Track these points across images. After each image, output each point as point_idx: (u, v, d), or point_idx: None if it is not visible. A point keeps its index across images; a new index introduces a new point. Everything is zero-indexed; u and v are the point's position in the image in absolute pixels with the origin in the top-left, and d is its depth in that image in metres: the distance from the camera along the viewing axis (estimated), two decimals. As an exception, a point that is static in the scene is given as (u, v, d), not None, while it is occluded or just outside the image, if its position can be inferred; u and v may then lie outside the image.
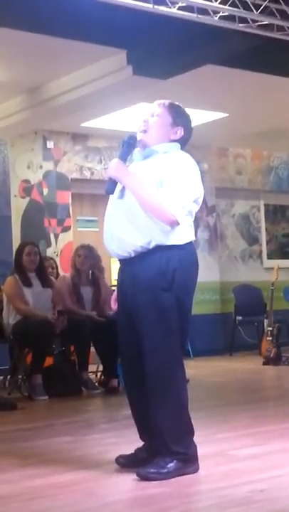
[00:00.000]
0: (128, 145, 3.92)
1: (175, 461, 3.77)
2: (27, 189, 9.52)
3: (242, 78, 7.55)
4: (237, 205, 11.55)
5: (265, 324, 9.41)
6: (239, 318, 10.55)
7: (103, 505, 3.42)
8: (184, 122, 3.96)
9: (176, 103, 4.00)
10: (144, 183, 3.77)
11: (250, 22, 5.76)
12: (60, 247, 9.62)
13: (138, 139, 3.93)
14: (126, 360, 4.06)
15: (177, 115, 3.95)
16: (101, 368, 7.56)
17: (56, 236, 9.63)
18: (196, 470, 3.83)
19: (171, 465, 3.76)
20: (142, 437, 4.03)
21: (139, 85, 7.20)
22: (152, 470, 3.75)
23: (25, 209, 9.50)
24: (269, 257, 11.85)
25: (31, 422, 5.86)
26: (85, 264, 7.63)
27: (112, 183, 3.85)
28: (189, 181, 3.79)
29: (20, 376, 7.26)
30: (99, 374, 7.64)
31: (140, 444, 4.04)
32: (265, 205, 11.96)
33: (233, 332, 10.54)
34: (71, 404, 6.65)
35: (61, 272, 8.65)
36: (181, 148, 3.96)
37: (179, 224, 3.74)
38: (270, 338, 9.20)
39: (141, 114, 4.04)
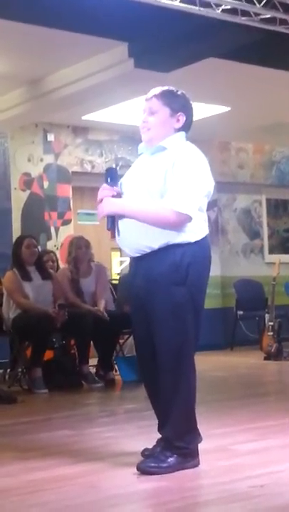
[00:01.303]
0: (112, 178, 3.94)
1: (175, 455, 3.77)
2: (27, 182, 9.50)
3: (244, 72, 7.52)
4: (239, 200, 11.53)
5: (266, 319, 9.40)
6: (240, 312, 10.54)
7: (103, 499, 3.41)
8: (181, 106, 3.90)
9: (167, 88, 3.92)
10: (138, 205, 3.75)
11: (253, 15, 5.73)
12: (60, 240, 9.61)
13: (143, 138, 3.92)
14: (142, 354, 4.02)
15: (173, 102, 3.88)
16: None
17: (57, 229, 9.62)
18: (196, 465, 3.82)
19: (171, 459, 3.76)
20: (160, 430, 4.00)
21: (140, 78, 7.17)
22: (152, 464, 3.75)
23: (25, 202, 9.48)
24: (270, 251, 11.84)
25: (31, 415, 5.85)
26: (87, 256, 7.62)
27: (111, 220, 3.87)
28: (199, 176, 3.74)
29: (20, 369, 7.25)
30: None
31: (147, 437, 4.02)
32: (266, 199, 11.95)
33: (234, 327, 10.54)
34: (71, 398, 6.65)
35: (61, 265, 8.63)
36: (187, 132, 3.90)
37: (191, 219, 3.69)
38: (271, 333, 9.19)
39: (139, 111, 3.98)
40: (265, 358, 9.11)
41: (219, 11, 5.64)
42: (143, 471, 3.72)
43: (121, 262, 10.36)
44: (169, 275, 3.71)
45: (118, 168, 4.11)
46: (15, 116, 8.55)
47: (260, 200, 11.86)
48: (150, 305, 3.79)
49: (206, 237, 3.84)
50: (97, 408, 6.33)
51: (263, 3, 5.62)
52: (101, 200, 3.87)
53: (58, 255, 9.17)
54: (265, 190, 11.91)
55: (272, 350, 9.09)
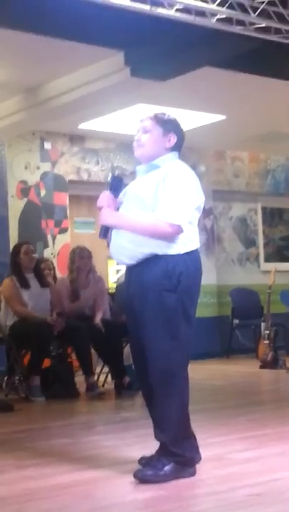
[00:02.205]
0: (115, 187, 4.09)
1: (172, 463, 3.78)
2: (24, 190, 9.50)
3: (240, 80, 7.54)
4: (234, 208, 11.55)
5: (262, 327, 9.40)
6: (236, 321, 10.54)
7: (100, 508, 3.41)
8: (173, 128, 4.09)
9: (161, 112, 4.14)
10: (133, 217, 3.91)
11: (248, 24, 5.75)
12: (57, 248, 9.61)
13: (135, 154, 4.11)
14: (137, 361, 4.09)
15: (165, 123, 4.08)
16: (99, 369, 7.54)
17: (53, 237, 9.62)
18: (193, 474, 3.83)
19: (167, 467, 3.77)
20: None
21: (136, 87, 7.19)
22: (150, 472, 3.77)
23: (22, 210, 9.48)
24: (266, 260, 11.85)
25: (28, 423, 5.85)
26: (87, 267, 7.64)
27: (104, 229, 4.03)
28: (188, 189, 3.89)
29: (17, 377, 7.24)
30: (103, 376, 7.61)
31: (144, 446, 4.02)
32: (262, 208, 11.97)
33: (230, 335, 10.53)
34: (68, 406, 6.64)
35: (58, 273, 8.64)
36: (179, 153, 4.09)
37: (182, 231, 3.82)
38: (267, 342, 9.19)
39: (136, 120, 4.13)
40: (261, 367, 9.10)
41: (214, 21, 5.65)
42: (140, 479, 3.74)
43: (117, 271, 10.36)
44: (161, 282, 3.80)
45: (117, 175, 4.20)
46: (12, 124, 8.55)
47: (255, 209, 11.88)
48: (141, 311, 3.86)
49: (197, 250, 3.95)
50: (94, 417, 6.32)
51: (257, 12, 5.63)
52: (99, 208, 4.04)
53: (55, 263, 9.18)
54: (260, 199, 11.93)
55: (268, 358, 9.09)
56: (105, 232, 4.01)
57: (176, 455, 3.81)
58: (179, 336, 3.83)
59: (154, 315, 3.81)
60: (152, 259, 3.84)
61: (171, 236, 3.82)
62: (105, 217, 4.00)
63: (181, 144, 4.11)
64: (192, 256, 3.90)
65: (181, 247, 3.86)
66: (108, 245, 4.06)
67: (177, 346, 3.83)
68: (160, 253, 3.83)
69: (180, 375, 3.87)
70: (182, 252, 3.85)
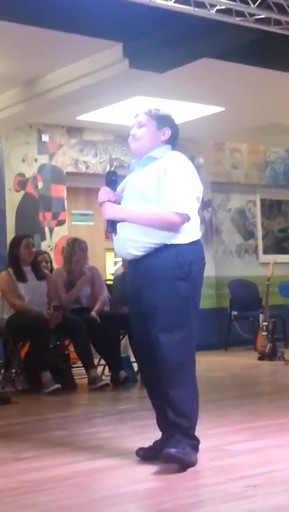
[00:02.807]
0: (112, 182, 4.10)
1: (189, 446, 3.83)
2: (22, 183, 9.49)
3: (239, 72, 7.52)
4: (233, 200, 11.54)
5: (260, 319, 9.41)
6: (234, 313, 10.54)
7: (97, 500, 3.41)
8: (167, 122, 4.14)
9: (154, 108, 4.17)
10: (138, 209, 3.93)
11: (247, 16, 5.73)
12: (54, 240, 9.60)
13: (131, 148, 4.17)
14: (143, 353, 4.11)
15: (160, 117, 4.13)
16: (96, 362, 7.53)
17: (51, 230, 9.61)
18: (196, 461, 3.88)
19: (188, 448, 3.83)
20: (160, 426, 4.07)
21: (135, 78, 7.17)
22: (175, 449, 3.79)
23: (19, 202, 9.46)
24: (265, 252, 11.85)
25: (25, 416, 5.85)
26: (85, 260, 7.63)
27: (111, 223, 4.01)
28: (190, 179, 3.94)
29: (14, 370, 7.24)
30: (100, 368, 7.60)
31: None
32: (261, 199, 11.96)
33: (229, 327, 10.54)
34: (65, 399, 6.64)
35: (55, 265, 8.61)
36: (173, 146, 4.13)
37: (190, 218, 3.88)
38: (266, 333, 9.20)
39: (134, 111, 4.16)
40: (259, 358, 9.11)
41: (214, 12, 5.63)
42: (170, 457, 3.77)
43: (115, 263, 10.36)
44: (173, 271, 3.86)
45: (114, 168, 4.25)
46: (9, 116, 8.53)
47: (254, 201, 11.87)
48: (154, 302, 3.88)
49: (200, 239, 4.01)
50: (91, 409, 6.32)
51: (257, 3, 5.61)
52: (101, 204, 4.03)
53: (52, 256, 9.16)
54: (259, 191, 11.92)
55: (267, 350, 9.09)
56: (112, 225, 4.00)
57: (193, 438, 3.89)
58: (190, 324, 3.91)
59: (168, 305, 3.85)
60: (161, 250, 3.88)
61: (178, 225, 3.86)
62: (108, 211, 3.99)
63: (176, 139, 4.16)
64: (198, 245, 3.97)
65: (187, 236, 3.91)
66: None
67: (189, 333, 3.91)
68: (169, 243, 3.87)
69: (191, 361, 3.96)
70: (189, 242, 3.91)
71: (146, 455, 4.00)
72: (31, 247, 7.36)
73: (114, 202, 4.02)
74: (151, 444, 4.06)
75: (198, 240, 3.97)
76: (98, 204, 4.07)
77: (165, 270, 3.86)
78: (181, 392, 3.88)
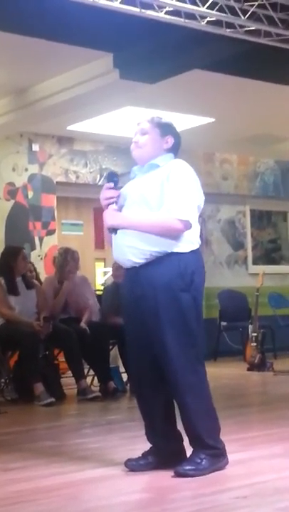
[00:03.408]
0: (113, 183, 4.06)
1: (208, 457, 3.86)
2: (12, 192, 9.48)
3: (229, 83, 7.55)
4: (223, 211, 11.56)
5: (249, 330, 9.41)
6: (224, 323, 10.54)
7: (86, 510, 3.40)
8: (170, 130, 4.16)
9: (157, 116, 4.21)
10: (140, 217, 3.92)
11: (238, 27, 5.75)
12: (44, 250, 9.59)
13: (133, 155, 4.18)
14: (137, 364, 4.12)
15: (163, 125, 4.15)
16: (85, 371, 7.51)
17: (41, 239, 9.60)
18: (227, 463, 3.95)
19: (205, 461, 3.86)
20: (151, 440, 4.08)
21: (125, 89, 7.18)
22: (190, 467, 3.83)
23: (9, 212, 9.45)
24: (254, 262, 11.87)
25: (14, 426, 5.83)
26: (76, 270, 7.62)
27: (113, 231, 3.99)
28: (193, 187, 3.95)
29: (3, 380, 7.21)
30: (89, 378, 7.58)
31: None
32: (250, 210, 11.98)
33: (218, 337, 10.53)
34: (54, 409, 6.62)
35: (45, 275, 8.59)
36: (175, 155, 4.13)
37: (192, 225, 3.88)
38: (255, 344, 9.20)
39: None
40: (249, 369, 9.11)
41: (204, 23, 5.65)
42: (181, 475, 3.79)
43: (105, 273, 10.35)
44: (176, 282, 3.86)
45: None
46: (0, 125, 8.53)
47: (244, 211, 11.89)
48: (156, 313, 3.88)
49: (199, 248, 4.01)
50: (80, 419, 6.31)
51: (247, 15, 5.64)
52: (102, 201, 4.00)
53: (42, 265, 9.16)
54: (249, 201, 11.94)
55: (256, 361, 9.10)
56: (115, 232, 3.98)
57: (211, 447, 3.90)
58: (194, 333, 3.91)
59: (170, 315, 3.86)
60: (162, 258, 3.88)
61: (180, 232, 3.86)
62: (109, 218, 3.97)
63: (178, 148, 4.16)
64: (198, 254, 3.98)
65: (188, 245, 3.92)
66: (110, 246, 4.11)
67: (194, 342, 3.92)
68: (170, 251, 3.87)
69: (199, 368, 3.96)
70: (189, 250, 3.92)
71: (135, 466, 3.99)
72: (26, 260, 7.37)
73: (116, 199, 3.99)
74: (140, 455, 4.06)
75: (197, 249, 3.98)
76: (101, 204, 4.02)
77: (167, 280, 3.85)
78: (193, 402, 3.90)
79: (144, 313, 3.92)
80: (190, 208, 3.88)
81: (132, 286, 3.98)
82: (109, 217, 3.97)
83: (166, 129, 4.14)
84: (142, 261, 3.91)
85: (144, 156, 4.11)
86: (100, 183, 9.93)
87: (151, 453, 4.04)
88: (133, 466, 3.99)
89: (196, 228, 3.97)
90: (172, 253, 3.87)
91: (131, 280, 4.00)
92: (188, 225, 3.86)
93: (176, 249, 3.88)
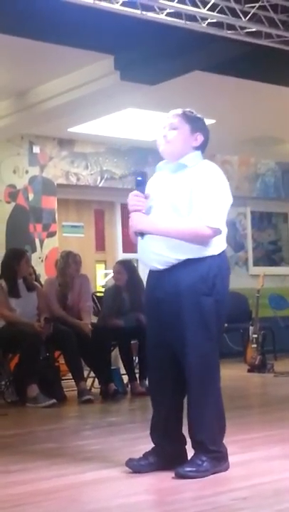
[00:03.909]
0: (141, 183, 4.04)
1: (209, 459, 3.87)
2: (12, 194, 9.48)
3: (230, 85, 7.55)
4: (223, 212, 11.53)
5: (250, 331, 9.41)
6: (224, 325, 10.51)
7: (85, 513, 3.40)
8: (201, 127, 4.10)
9: (189, 110, 4.12)
10: (170, 223, 3.89)
11: (239, 29, 5.75)
12: (45, 252, 9.59)
13: (161, 151, 4.09)
14: (156, 364, 4.12)
15: (193, 121, 4.08)
16: (86, 374, 7.51)
17: (41, 241, 9.59)
18: (228, 467, 3.96)
19: (206, 463, 3.86)
20: (155, 440, 4.09)
21: (126, 91, 7.18)
22: (190, 468, 3.84)
23: (10, 214, 9.45)
24: (255, 264, 11.86)
25: (14, 428, 5.83)
26: (77, 273, 7.62)
27: (140, 235, 3.98)
28: (223, 192, 3.96)
29: (3, 382, 7.21)
30: (90, 380, 7.58)
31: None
32: (251, 212, 11.97)
33: (219, 339, 10.51)
34: (54, 411, 6.61)
35: (45, 277, 8.59)
36: (203, 152, 4.10)
37: (221, 232, 3.90)
38: (255, 346, 9.20)
39: (158, 126, 4.14)
40: (249, 371, 9.11)
41: (205, 25, 5.65)
42: (182, 476, 3.80)
43: (105, 275, 10.35)
44: (197, 286, 3.87)
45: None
46: (0, 128, 8.52)
47: (244, 213, 11.89)
48: (178, 316, 3.89)
49: (225, 250, 4.02)
50: (81, 421, 6.31)
51: (248, 17, 5.63)
52: (133, 211, 3.97)
53: (43, 267, 9.15)
54: (249, 203, 11.93)
55: (256, 362, 9.10)
56: (142, 236, 3.98)
57: (213, 452, 3.91)
58: (213, 338, 3.94)
59: (192, 319, 3.87)
60: (186, 263, 3.88)
61: (210, 239, 3.87)
62: (137, 223, 3.95)
63: (206, 145, 4.12)
64: (223, 257, 3.99)
65: (214, 249, 3.92)
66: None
67: (214, 347, 3.95)
68: (196, 256, 3.88)
69: (216, 375, 3.98)
70: (216, 254, 3.93)
71: (136, 466, 4.00)
72: (29, 263, 7.37)
73: (143, 207, 3.96)
74: (142, 455, 4.06)
75: (222, 252, 3.98)
76: (127, 209, 4.01)
77: (189, 284, 3.86)
78: (203, 408, 3.90)
79: (165, 316, 3.94)
80: (220, 214, 3.88)
81: (155, 288, 4.01)
82: (138, 222, 3.95)
83: (196, 125, 4.07)
84: (163, 267, 3.94)
85: (172, 153, 4.05)
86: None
87: (152, 453, 4.04)
88: (134, 466, 4.00)
89: (224, 232, 3.97)
90: (195, 259, 3.88)
91: (154, 282, 4.03)
92: (218, 232, 3.88)
93: (199, 255, 3.88)
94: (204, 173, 3.93)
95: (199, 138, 4.06)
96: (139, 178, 4.06)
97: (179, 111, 4.09)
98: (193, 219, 3.86)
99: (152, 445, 4.09)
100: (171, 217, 3.91)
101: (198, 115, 4.12)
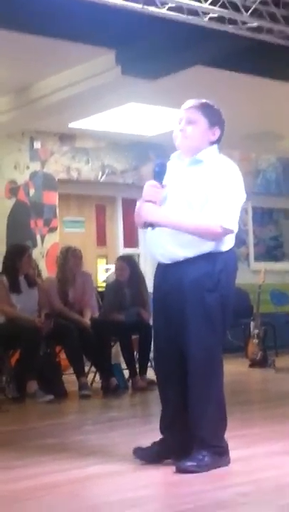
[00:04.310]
0: (160, 174, 3.98)
1: (210, 454, 3.87)
2: (13, 190, 9.47)
3: (231, 80, 7.53)
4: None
5: (251, 327, 9.41)
6: (230, 321, 10.50)
7: (87, 508, 3.40)
8: (218, 120, 4.07)
9: (205, 101, 4.06)
10: (183, 217, 3.87)
11: (240, 24, 5.74)
12: (46, 247, 9.58)
13: (178, 146, 4.03)
14: (162, 358, 4.15)
15: (212, 115, 4.04)
16: (87, 369, 7.51)
17: (42, 237, 9.59)
18: (229, 462, 3.96)
19: (207, 458, 3.87)
20: (163, 430, 4.10)
21: (127, 86, 7.17)
22: (191, 463, 3.84)
23: (11, 210, 9.44)
24: (256, 259, 11.84)
25: (15, 424, 5.83)
26: (79, 266, 7.62)
27: (150, 225, 3.95)
28: (238, 191, 3.96)
29: (4, 378, 7.20)
30: (91, 375, 7.58)
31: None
32: (252, 207, 11.95)
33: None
34: (55, 406, 6.62)
35: (46, 273, 8.60)
36: (218, 145, 4.07)
37: (233, 231, 3.91)
38: (257, 341, 9.20)
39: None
40: (250, 366, 9.11)
41: (206, 19, 5.64)
42: (183, 470, 3.81)
43: (107, 270, 10.34)
44: (203, 281, 3.88)
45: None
46: (1, 123, 8.51)
47: (245, 208, 11.86)
48: (182, 310, 3.91)
49: (233, 247, 4.02)
50: (81, 416, 6.31)
51: (250, 11, 5.63)
52: (147, 201, 3.93)
53: (44, 263, 9.14)
54: (250, 198, 11.76)
55: (258, 357, 9.10)
56: (153, 227, 3.95)
57: (215, 447, 3.92)
58: (217, 334, 3.95)
59: (196, 313, 3.88)
60: (194, 259, 3.89)
61: (221, 237, 3.89)
62: (149, 214, 3.91)
63: (222, 138, 4.08)
64: (230, 253, 4.00)
65: (222, 245, 3.93)
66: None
67: (216, 343, 3.96)
68: (204, 252, 3.88)
69: (219, 371, 3.99)
70: (223, 250, 3.93)
71: (143, 455, 4.03)
72: (30, 260, 7.36)
73: (160, 199, 3.92)
74: (149, 444, 4.09)
75: (230, 249, 3.98)
76: (145, 200, 3.95)
77: (194, 279, 3.87)
78: (205, 403, 3.91)
79: (171, 309, 3.96)
80: (234, 215, 3.89)
81: (161, 282, 4.04)
82: (150, 214, 3.91)
83: (215, 119, 4.03)
84: (170, 262, 3.95)
85: (190, 147, 4.00)
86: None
87: (160, 443, 4.08)
88: (141, 455, 4.04)
89: (235, 231, 3.97)
90: (202, 254, 3.89)
91: (160, 276, 4.05)
92: (229, 232, 3.89)
93: (206, 251, 3.89)
94: (221, 171, 3.92)
95: (217, 132, 4.03)
96: (158, 169, 3.99)
97: (197, 102, 4.03)
98: (206, 215, 3.84)
99: (160, 435, 4.11)
100: (185, 211, 3.90)
101: (216, 107, 4.06)
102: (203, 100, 4.07)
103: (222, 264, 3.91)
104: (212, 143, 4.03)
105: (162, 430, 4.11)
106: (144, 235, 4.09)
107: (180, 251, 3.90)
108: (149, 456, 4.02)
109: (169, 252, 3.93)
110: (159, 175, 3.98)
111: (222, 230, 3.85)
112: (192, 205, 3.89)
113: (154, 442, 4.09)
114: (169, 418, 4.07)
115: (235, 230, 3.92)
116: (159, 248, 3.96)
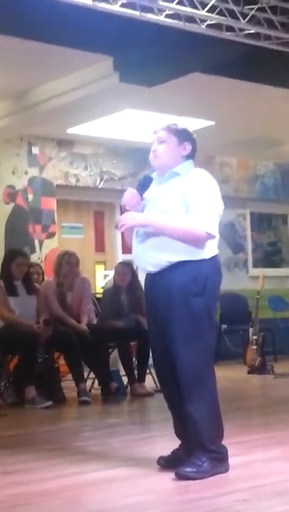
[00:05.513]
0: (143, 186, 4.14)
1: (209, 460, 3.89)
2: (11, 195, 9.48)
3: (228, 86, 7.55)
4: (222, 214, 11.50)
5: (250, 333, 9.40)
6: (224, 326, 10.52)
7: (86, 514, 3.40)
8: (187, 136, 4.20)
9: (173, 123, 4.22)
10: (164, 218, 3.98)
11: (237, 31, 5.76)
12: (44, 253, 9.59)
13: (153, 165, 4.18)
14: (160, 365, 4.20)
15: (179, 132, 4.18)
16: (85, 375, 7.51)
17: (41, 242, 9.60)
18: (228, 469, 3.96)
19: (206, 464, 3.88)
20: (179, 436, 4.13)
21: (125, 92, 7.19)
22: (190, 469, 3.85)
23: (9, 215, 9.45)
24: (254, 265, 11.86)
25: (14, 429, 5.82)
26: (74, 273, 7.60)
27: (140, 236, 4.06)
28: (214, 198, 4.03)
29: (3, 383, 7.20)
30: (90, 381, 7.57)
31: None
32: (250, 213, 11.97)
33: (218, 340, 10.51)
34: (54, 412, 6.61)
35: (46, 278, 8.59)
36: (193, 160, 4.19)
37: (214, 237, 3.99)
38: (255, 347, 9.19)
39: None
40: (249, 372, 9.10)
41: (204, 26, 5.66)
42: (182, 477, 3.82)
43: (105, 276, 10.35)
44: (188, 287, 3.94)
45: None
46: (0, 129, 8.53)
47: (244, 214, 11.89)
48: (169, 315, 3.97)
49: (217, 255, 4.09)
50: (80, 422, 6.30)
51: (247, 18, 5.65)
52: (123, 206, 4.09)
53: (42, 268, 9.14)
54: (249, 204, 11.94)
55: (256, 364, 9.09)
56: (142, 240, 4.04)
57: (213, 452, 3.93)
58: (204, 338, 3.99)
59: (181, 318, 3.93)
60: (178, 265, 3.96)
61: (203, 242, 3.96)
62: (131, 219, 4.01)
63: (195, 152, 4.21)
64: (215, 261, 4.06)
65: (205, 253, 4.00)
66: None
67: (204, 347, 3.99)
68: (188, 259, 3.96)
69: (208, 375, 4.02)
70: (207, 258, 4.00)
71: (167, 464, 4.04)
72: (23, 266, 7.35)
73: (138, 208, 4.05)
74: (170, 453, 4.10)
75: (215, 256, 4.05)
76: (122, 204, 4.10)
77: (180, 285, 3.93)
78: (197, 407, 3.93)
79: (160, 314, 4.01)
80: (214, 220, 3.97)
81: (151, 289, 4.10)
82: (131, 219, 4.02)
83: (183, 135, 4.17)
84: (156, 269, 4.02)
85: (163, 165, 4.14)
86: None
87: (180, 449, 4.09)
88: (164, 464, 4.05)
89: (216, 238, 4.04)
90: (188, 260, 3.96)
91: (150, 284, 4.12)
92: (211, 238, 3.97)
93: (192, 258, 3.96)
94: (197, 181, 4.03)
95: (187, 147, 4.15)
96: (142, 181, 4.15)
97: (164, 125, 4.19)
98: (190, 221, 3.93)
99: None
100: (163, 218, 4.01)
101: (184, 126, 4.21)
102: (171, 123, 4.22)
103: (208, 270, 3.99)
104: (186, 158, 4.15)
105: (177, 435, 4.14)
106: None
107: (167, 257, 3.97)
108: (172, 463, 4.01)
109: (156, 259, 3.99)
110: (142, 187, 4.13)
111: (206, 235, 3.94)
112: (169, 214, 3.98)
113: (176, 449, 4.11)
114: (179, 421, 4.09)
115: (217, 236, 4.01)
116: (147, 257, 4.04)
